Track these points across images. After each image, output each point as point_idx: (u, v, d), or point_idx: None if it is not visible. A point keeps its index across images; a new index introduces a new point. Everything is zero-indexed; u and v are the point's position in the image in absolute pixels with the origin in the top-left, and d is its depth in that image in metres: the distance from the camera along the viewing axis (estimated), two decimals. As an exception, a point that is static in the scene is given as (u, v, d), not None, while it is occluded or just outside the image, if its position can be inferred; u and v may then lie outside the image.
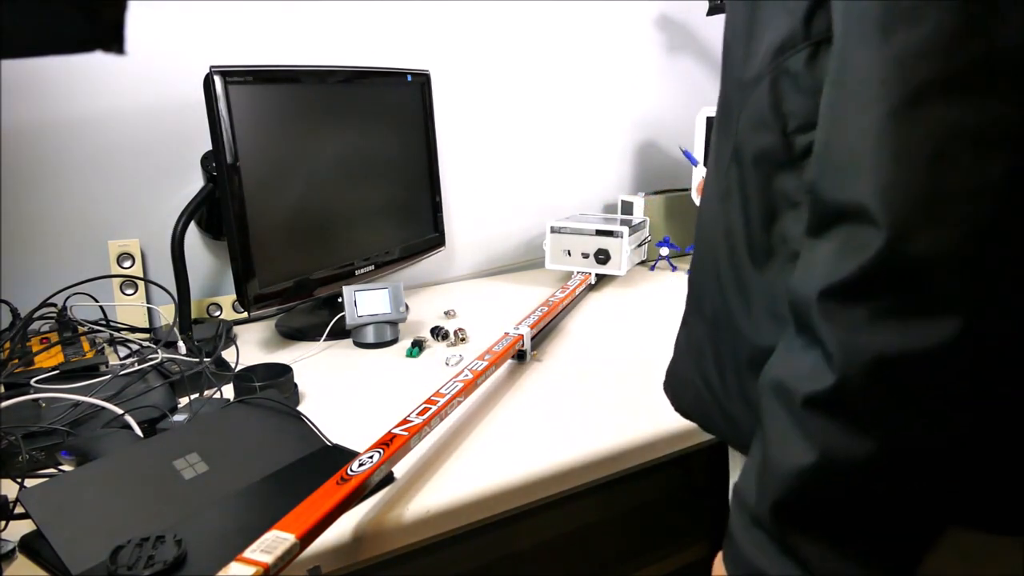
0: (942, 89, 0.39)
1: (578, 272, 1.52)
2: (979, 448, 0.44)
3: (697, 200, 1.63)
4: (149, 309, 1.27)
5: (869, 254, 0.41)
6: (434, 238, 1.51)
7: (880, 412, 0.43)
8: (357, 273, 1.32)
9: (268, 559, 0.57)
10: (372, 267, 1.35)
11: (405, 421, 0.82)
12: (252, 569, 0.55)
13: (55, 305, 1.12)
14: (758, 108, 0.55)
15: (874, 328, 0.42)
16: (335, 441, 0.86)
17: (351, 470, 0.71)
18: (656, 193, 1.77)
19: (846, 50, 0.44)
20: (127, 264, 1.26)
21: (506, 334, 1.11)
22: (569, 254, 1.53)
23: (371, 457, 0.74)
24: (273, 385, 0.94)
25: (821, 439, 0.44)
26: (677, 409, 0.73)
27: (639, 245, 1.60)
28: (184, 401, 0.94)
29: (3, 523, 0.70)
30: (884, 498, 0.44)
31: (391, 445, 0.76)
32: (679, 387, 0.71)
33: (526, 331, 1.13)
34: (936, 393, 0.42)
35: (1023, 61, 0.38)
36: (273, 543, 0.59)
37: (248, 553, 0.57)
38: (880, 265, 0.41)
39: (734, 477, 0.76)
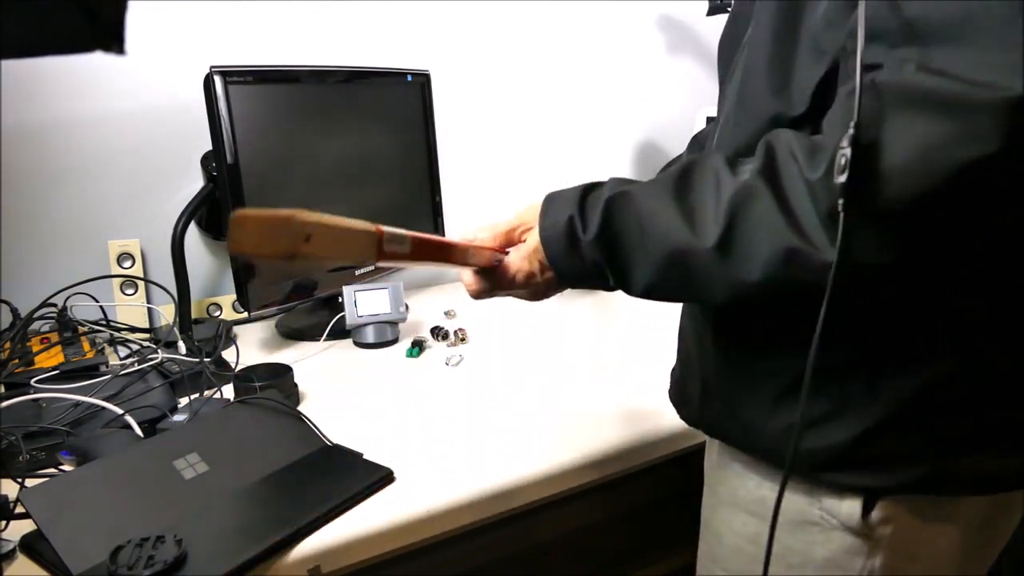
0: None
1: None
2: None
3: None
4: (149, 309, 1.27)
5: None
6: (434, 238, 1.51)
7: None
8: (357, 273, 1.32)
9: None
10: (372, 267, 1.35)
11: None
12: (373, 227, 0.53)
13: (55, 305, 1.12)
14: None
15: None
16: (335, 441, 0.86)
17: None
18: (656, 193, 1.77)
19: None
20: (127, 264, 1.26)
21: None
22: (569, 254, 1.52)
23: None
24: (273, 385, 0.94)
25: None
26: None
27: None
28: (184, 401, 0.94)
29: (3, 523, 0.70)
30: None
31: None
32: None
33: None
34: None
35: None
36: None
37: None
38: None
39: (709, 461, 0.79)
